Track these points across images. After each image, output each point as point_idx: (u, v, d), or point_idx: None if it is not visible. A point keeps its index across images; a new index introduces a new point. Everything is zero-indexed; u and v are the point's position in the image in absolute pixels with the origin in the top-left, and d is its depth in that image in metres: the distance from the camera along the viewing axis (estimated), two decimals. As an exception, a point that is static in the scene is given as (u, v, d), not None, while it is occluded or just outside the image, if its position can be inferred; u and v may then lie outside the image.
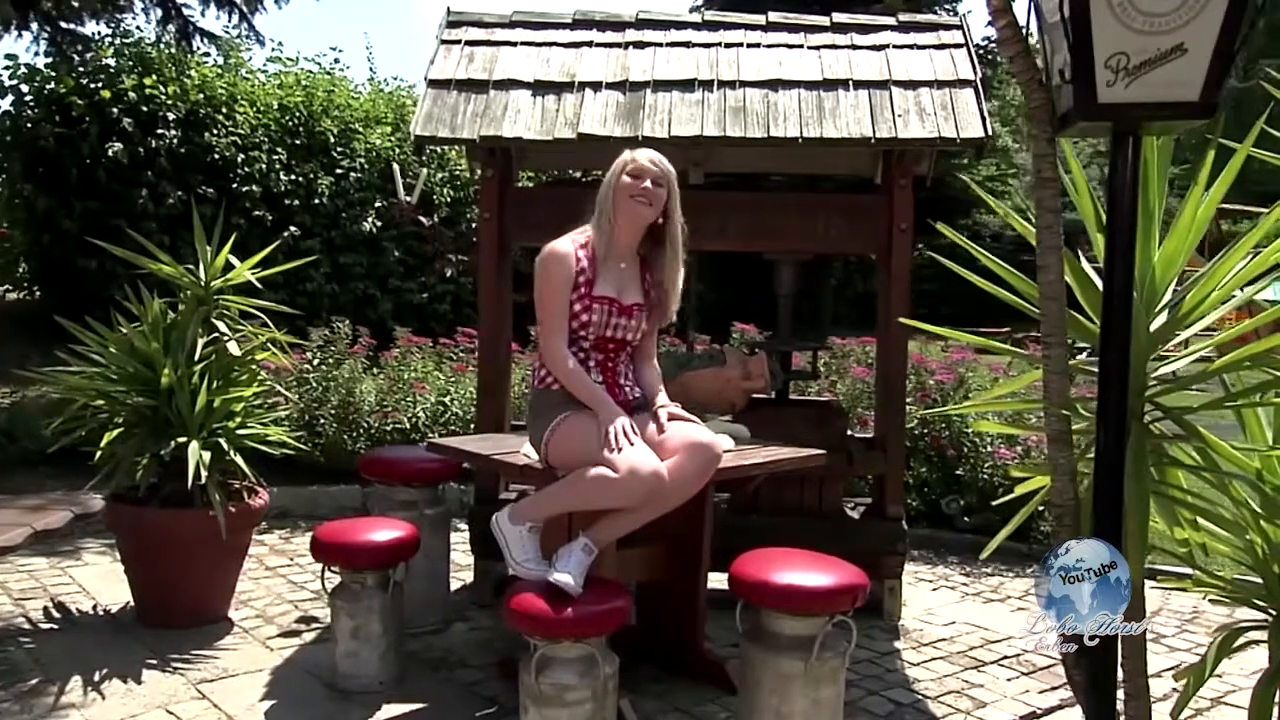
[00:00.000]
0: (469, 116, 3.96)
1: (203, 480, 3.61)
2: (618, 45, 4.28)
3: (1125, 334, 1.91)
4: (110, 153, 7.85)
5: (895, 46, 4.25)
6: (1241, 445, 2.23)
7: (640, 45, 4.28)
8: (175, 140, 8.24)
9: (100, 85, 8.11)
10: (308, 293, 8.65)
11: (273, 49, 12.26)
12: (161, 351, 3.82)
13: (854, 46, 4.26)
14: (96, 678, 3.35)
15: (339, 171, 9.29)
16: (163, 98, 8.27)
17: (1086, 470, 2.19)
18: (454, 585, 4.24)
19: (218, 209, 5.15)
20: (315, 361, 6.26)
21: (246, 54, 9.79)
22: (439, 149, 9.60)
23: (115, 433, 3.78)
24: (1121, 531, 1.98)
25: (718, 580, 3.47)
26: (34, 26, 8.46)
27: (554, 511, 2.97)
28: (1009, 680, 3.64)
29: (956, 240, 2.68)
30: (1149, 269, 2.12)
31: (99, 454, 3.77)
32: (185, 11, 9.21)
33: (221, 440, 3.81)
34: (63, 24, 8.66)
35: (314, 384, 6.12)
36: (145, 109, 8.19)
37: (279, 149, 8.93)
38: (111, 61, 8.44)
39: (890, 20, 4.43)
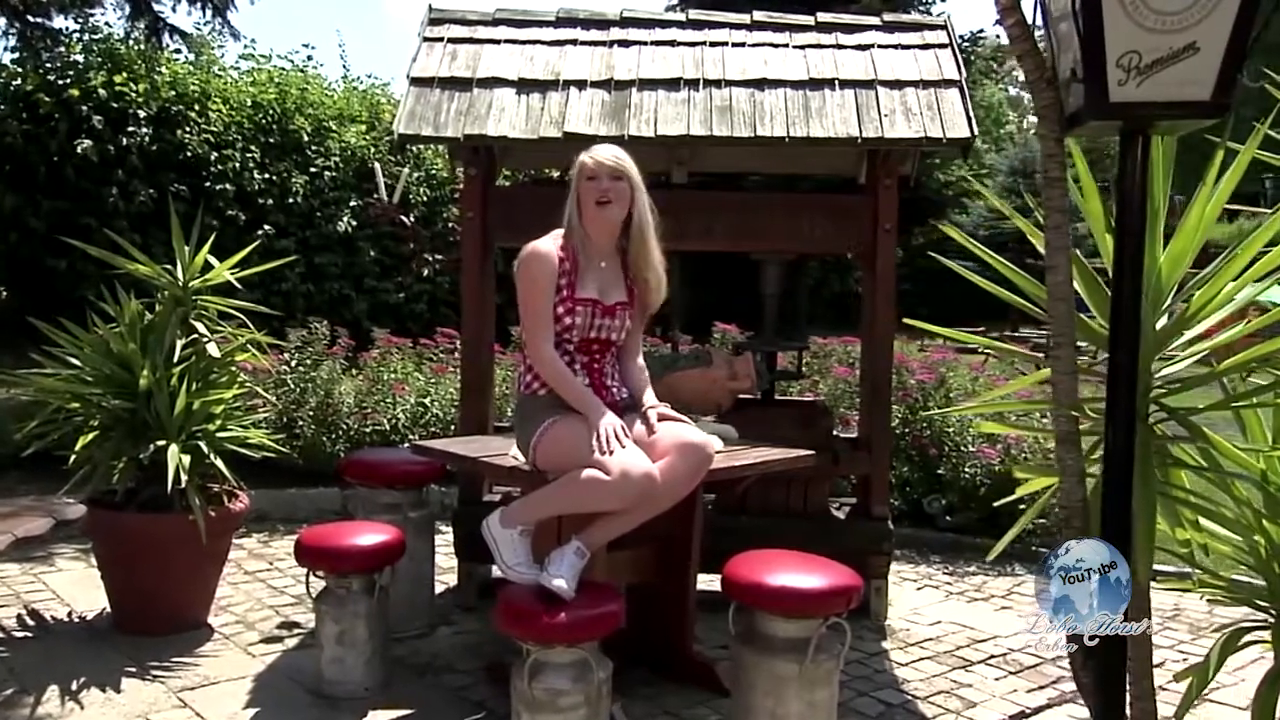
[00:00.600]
0: (453, 115, 3.92)
1: (183, 484, 3.54)
2: (602, 44, 4.25)
3: (1134, 335, 1.90)
4: (79, 150, 7.72)
5: (880, 46, 4.24)
6: (1243, 446, 2.24)
7: (625, 44, 4.24)
8: (146, 138, 8.13)
9: (69, 82, 7.98)
10: (283, 293, 8.57)
11: (245, 46, 12.20)
12: (139, 353, 3.74)
13: (839, 46, 4.25)
14: (74, 687, 3.27)
15: (313, 170, 9.21)
16: (133, 95, 8.14)
17: (1087, 471, 2.19)
18: (438, 589, 4.19)
19: (192, 208, 5.07)
20: (293, 363, 6.18)
21: (219, 50, 9.71)
22: (416, 148, 9.52)
23: (91, 436, 3.72)
24: (1130, 532, 1.97)
25: (704, 582, 3.46)
26: (1, 21, 8.32)
27: (546, 514, 2.94)
28: (997, 680, 3.64)
29: (960, 240, 2.66)
30: (1155, 269, 2.11)
31: (74, 458, 3.70)
32: (155, 8, 9.09)
33: (201, 443, 3.73)
34: (30, 18, 8.52)
35: (292, 385, 6.03)
36: (115, 105, 8.06)
37: (252, 147, 8.83)
38: (80, 58, 8.30)
39: (875, 20, 4.43)
